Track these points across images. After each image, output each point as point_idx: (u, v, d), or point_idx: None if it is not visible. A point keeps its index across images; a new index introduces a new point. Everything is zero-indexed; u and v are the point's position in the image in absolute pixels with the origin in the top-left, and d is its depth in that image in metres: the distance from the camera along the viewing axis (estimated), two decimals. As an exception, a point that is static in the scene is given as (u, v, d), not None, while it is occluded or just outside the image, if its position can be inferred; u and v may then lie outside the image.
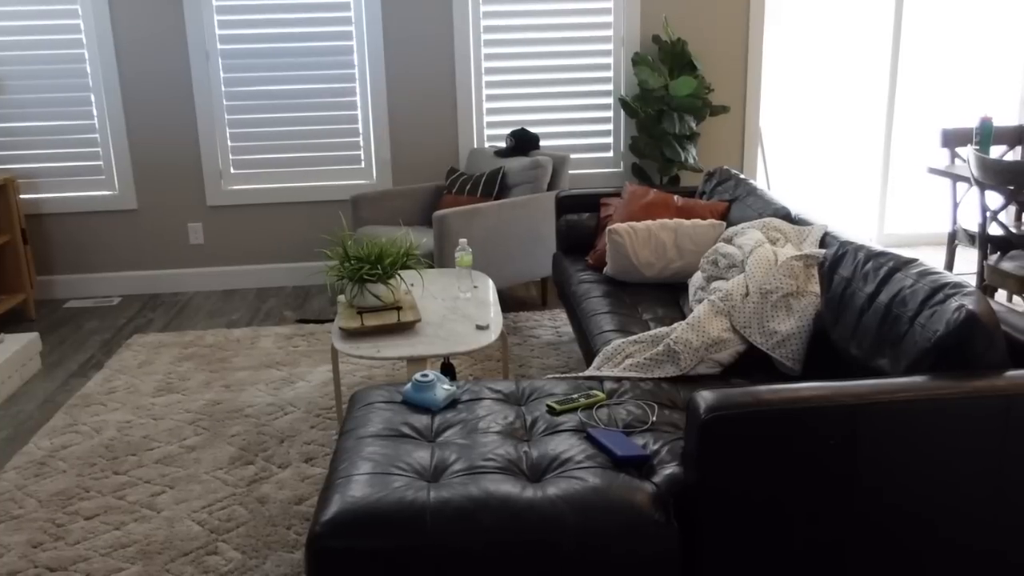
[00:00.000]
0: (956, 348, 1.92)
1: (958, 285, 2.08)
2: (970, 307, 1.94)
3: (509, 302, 4.79)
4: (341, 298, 3.16)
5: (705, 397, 1.83)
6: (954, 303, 1.99)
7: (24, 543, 2.54)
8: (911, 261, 2.33)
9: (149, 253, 5.17)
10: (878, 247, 2.50)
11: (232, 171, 5.12)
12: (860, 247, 2.54)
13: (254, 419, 3.34)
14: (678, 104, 4.90)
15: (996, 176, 3.45)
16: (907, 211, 5.74)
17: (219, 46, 4.93)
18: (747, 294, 2.72)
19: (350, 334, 2.89)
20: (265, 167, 5.14)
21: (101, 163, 5.03)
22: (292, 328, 4.41)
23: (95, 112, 4.96)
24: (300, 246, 5.26)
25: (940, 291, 2.10)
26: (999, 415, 1.79)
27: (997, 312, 2.17)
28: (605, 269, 3.58)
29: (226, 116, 5.04)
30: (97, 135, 4.99)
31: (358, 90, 5.06)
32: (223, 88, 4.99)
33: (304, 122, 5.09)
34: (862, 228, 5.73)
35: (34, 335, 3.95)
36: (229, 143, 5.08)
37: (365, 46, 4.99)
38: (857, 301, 2.40)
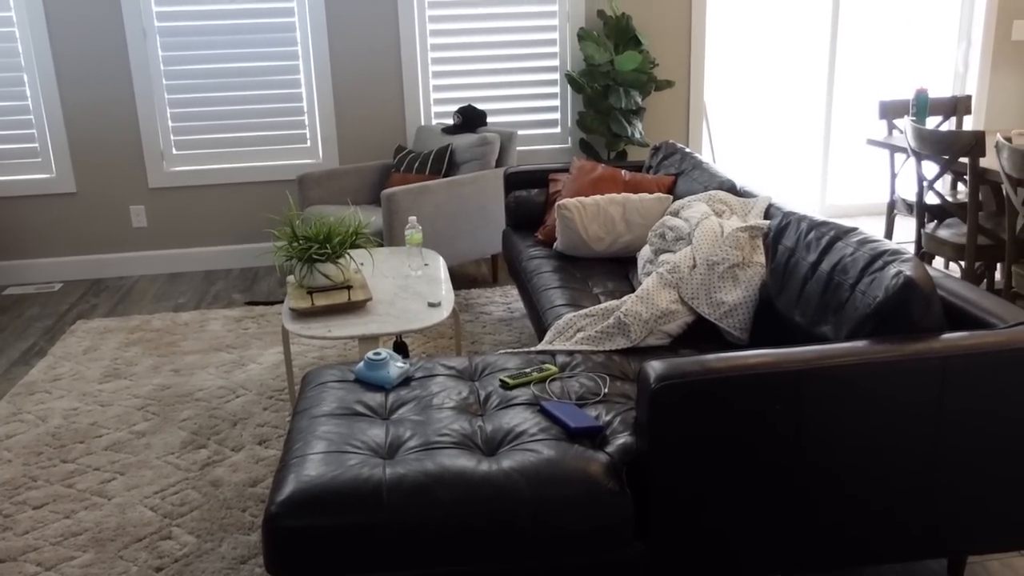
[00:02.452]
0: (894, 313, 1.98)
1: (896, 252, 2.15)
2: (908, 273, 2.00)
3: (460, 279, 4.79)
4: (290, 279, 3.14)
5: (655, 367, 1.86)
6: (892, 269, 2.06)
7: (-29, 535, 2.49)
8: (851, 230, 2.39)
9: (90, 237, 5.06)
10: (820, 217, 2.56)
11: (174, 152, 5.02)
12: (803, 217, 2.60)
13: (205, 403, 3.30)
14: (624, 79, 4.93)
15: (932, 146, 3.54)
16: (848, 182, 5.86)
17: (156, 24, 4.81)
18: (694, 266, 2.77)
19: (300, 314, 2.87)
20: (208, 147, 5.04)
21: (37, 145, 4.89)
22: (241, 310, 4.36)
23: (28, 93, 4.81)
24: (247, 227, 5.18)
25: (879, 258, 2.16)
26: (935, 376, 1.86)
27: (933, 278, 2.25)
28: (555, 244, 3.61)
29: (166, 96, 4.93)
30: (32, 117, 4.85)
31: (301, 67, 4.99)
32: (162, 67, 4.88)
33: (247, 101, 5.00)
34: (806, 199, 5.84)
35: (-27, 324, 3.85)
36: (170, 123, 4.98)
37: (308, 22, 4.92)
38: (800, 270, 2.46)
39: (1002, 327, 1.97)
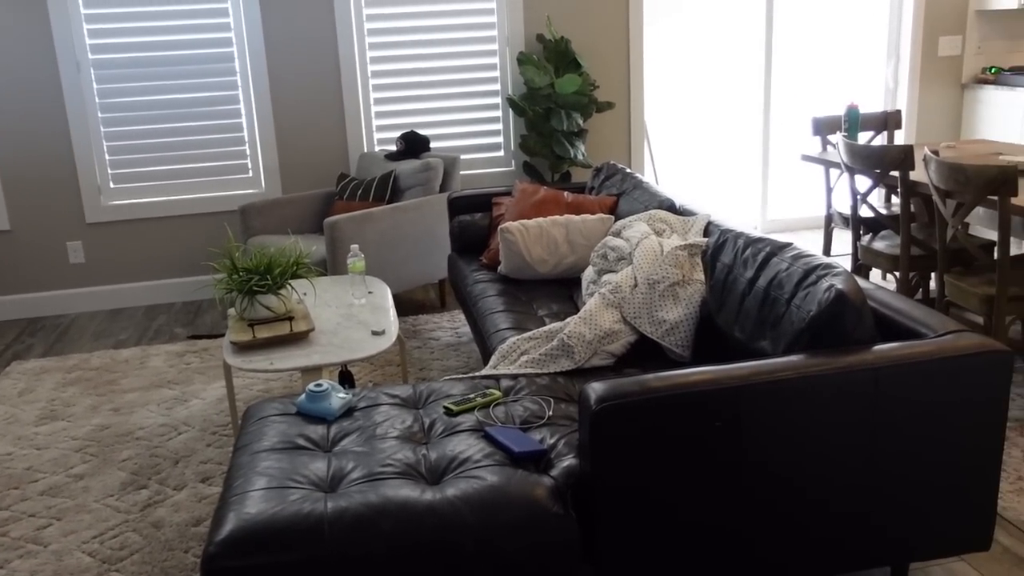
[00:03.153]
0: (828, 326, 2.01)
1: (828, 266, 2.19)
2: (839, 286, 2.03)
3: (407, 306, 4.77)
4: (232, 311, 3.09)
5: (595, 388, 1.87)
6: (825, 283, 2.09)
7: (-102, 590, 2.39)
8: (786, 245, 2.43)
9: (26, 275, 4.93)
10: (756, 234, 2.60)
11: (112, 186, 4.93)
12: (740, 234, 2.64)
13: (146, 441, 3.22)
14: (564, 102, 4.97)
15: (863, 161, 3.63)
16: (788, 197, 5.97)
17: (90, 56, 4.74)
18: (635, 285, 2.79)
19: (242, 347, 2.83)
20: (147, 180, 4.96)
21: (-33, 183, 4.77)
22: (184, 345, 4.28)
23: (-42, 130, 4.69)
24: (189, 260, 5.10)
25: (812, 272, 2.20)
26: (869, 387, 1.89)
27: (865, 290, 2.29)
28: (499, 268, 3.61)
29: (102, 128, 4.84)
30: (-39, 154, 4.73)
31: (241, 97, 4.95)
32: (97, 100, 4.80)
33: (186, 132, 4.94)
34: (747, 215, 5.94)
35: (-99, 369, 3.72)
36: (107, 156, 4.89)
37: (246, 51, 4.89)
38: (739, 286, 2.49)
39: (932, 336, 2.01)
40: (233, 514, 1.84)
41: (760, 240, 2.53)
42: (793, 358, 1.93)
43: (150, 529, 2.63)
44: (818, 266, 2.21)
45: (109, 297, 5.03)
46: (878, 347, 1.96)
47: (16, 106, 4.72)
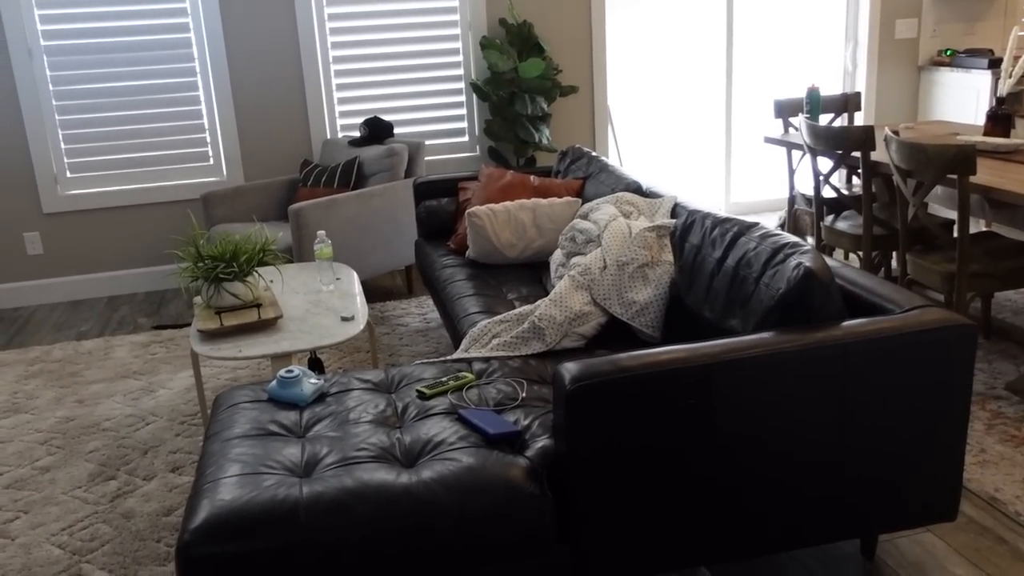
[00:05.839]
0: (797, 303, 2.04)
1: (796, 244, 2.22)
2: (807, 264, 2.06)
3: (375, 292, 4.74)
4: (198, 299, 3.05)
5: (569, 369, 1.88)
6: (793, 261, 2.12)
7: None
8: (753, 225, 2.46)
9: (-18, 267, 4.83)
10: (723, 214, 2.62)
11: (68, 175, 4.83)
12: (707, 215, 2.66)
13: (113, 432, 3.18)
14: (528, 86, 4.97)
15: (825, 142, 3.67)
16: (750, 180, 6.03)
17: (43, 43, 4.63)
18: (605, 267, 2.80)
19: (209, 335, 2.80)
20: (105, 169, 4.87)
21: (-82, 174, 4.64)
22: (148, 335, 4.22)
23: (-93, 119, 4.56)
24: (150, 249, 5.02)
25: (780, 251, 2.23)
26: (838, 362, 1.93)
27: (832, 268, 2.33)
28: (468, 252, 3.60)
29: (57, 117, 4.74)
30: (-89, 143, 4.60)
31: (200, 83, 4.87)
32: (51, 87, 4.69)
33: (145, 120, 4.85)
34: (710, 198, 5.99)
35: None
36: (63, 145, 4.79)
37: (204, 36, 4.81)
38: (707, 266, 2.51)
39: (898, 312, 2.05)
40: (207, 501, 1.83)
41: (728, 220, 2.56)
42: (763, 335, 1.96)
43: (120, 520, 2.60)
44: (785, 244, 2.24)
45: (69, 288, 4.94)
46: (846, 323, 1.99)
47: (-33, 94, 4.60)
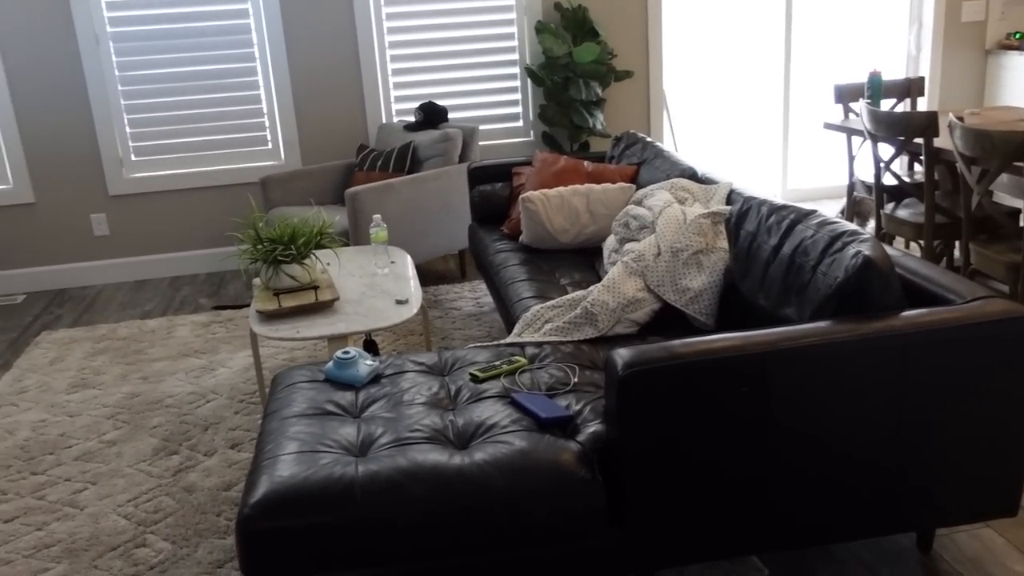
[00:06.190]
0: (855, 292, 2.02)
1: (855, 233, 2.19)
2: (867, 253, 2.04)
3: (428, 276, 4.79)
4: (257, 281, 3.12)
5: (622, 355, 1.89)
6: (852, 250, 2.09)
7: (-60, 553, 2.46)
8: (811, 212, 2.43)
9: (52, 247, 4.99)
10: (780, 201, 2.60)
11: (133, 158, 4.96)
12: (763, 202, 2.64)
13: (175, 409, 3.28)
14: (583, 71, 4.95)
15: (887, 128, 3.60)
16: (809, 166, 5.93)
17: (109, 29, 4.75)
18: (659, 253, 2.80)
19: (268, 316, 2.86)
20: (168, 152, 4.99)
21: (-8, 156, 4.81)
22: (209, 315, 4.33)
23: (-19, 103, 4.73)
24: (211, 231, 5.14)
25: (839, 239, 2.20)
26: (897, 353, 1.90)
27: (892, 257, 2.29)
28: (521, 237, 3.62)
29: (122, 102, 4.87)
30: (-15, 127, 4.77)
31: (259, 69, 4.95)
32: (117, 73, 4.82)
33: (206, 104, 4.95)
34: (767, 185, 5.91)
35: (-67, 339, 3.79)
36: (128, 130, 4.92)
37: (263, 23, 4.88)
38: (763, 254, 2.49)
39: (960, 303, 2.01)
40: (266, 477, 1.88)
41: (784, 207, 2.53)
42: (820, 324, 1.94)
43: (182, 493, 2.68)
44: (844, 232, 2.21)
45: (134, 268, 5.08)
46: (906, 313, 1.96)
47: (37, 81, 4.75)
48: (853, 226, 2.23)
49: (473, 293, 4.42)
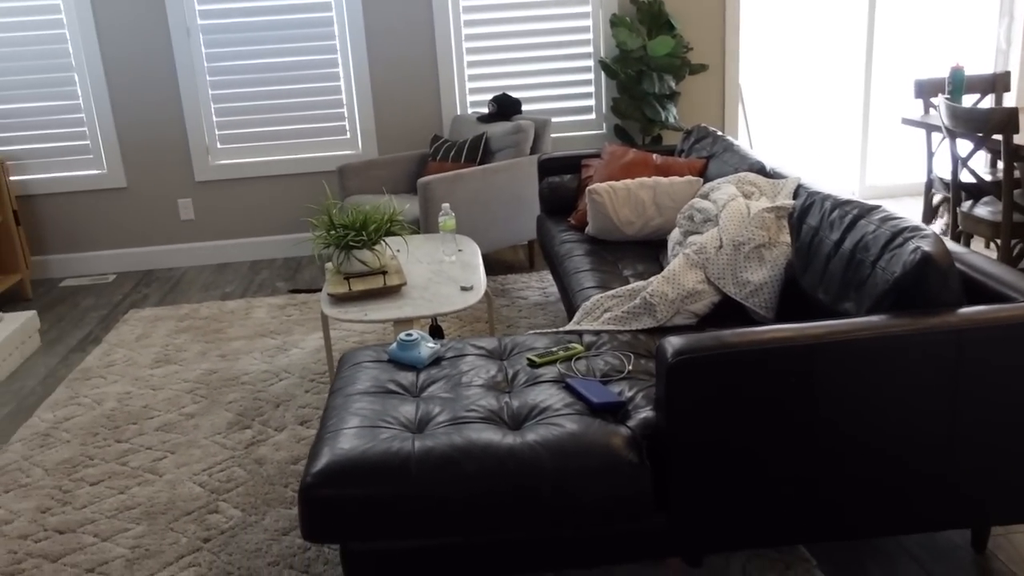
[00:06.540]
0: (913, 288, 2.01)
1: (916, 228, 2.17)
2: (926, 248, 2.02)
3: (497, 266, 4.87)
4: (329, 265, 3.24)
5: (672, 342, 1.92)
6: (911, 245, 2.08)
7: (33, 509, 2.65)
8: (874, 208, 2.41)
9: (141, 230, 5.24)
10: (844, 196, 2.58)
11: (219, 146, 5.18)
12: (827, 197, 2.62)
13: (250, 386, 3.43)
14: (657, 64, 4.95)
15: (965, 124, 3.52)
16: (888, 162, 5.80)
17: (199, 22, 4.96)
18: (720, 246, 2.81)
19: (338, 299, 2.98)
20: (251, 141, 5.19)
21: (88, 143, 5.08)
22: (285, 298, 4.50)
23: (79, 93, 5.00)
24: (290, 217, 5.32)
25: (900, 235, 2.18)
26: (951, 349, 1.89)
27: (956, 253, 2.26)
28: (587, 229, 3.66)
29: (210, 92, 5.08)
30: (83, 115, 5.04)
31: (340, 61, 5.10)
32: (205, 64, 5.03)
33: (288, 95, 5.13)
34: (845, 181, 5.80)
35: (32, 313, 4.03)
36: (214, 118, 5.13)
37: (345, 16, 5.03)
38: (824, 248, 2.49)
39: (1020, 300, 1.98)
40: (328, 449, 1.98)
41: (848, 203, 2.51)
42: (871, 318, 1.94)
43: (253, 465, 2.82)
44: (905, 228, 2.19)
45: (216, 252, 5.30)
46: (964, 310, 1.94)
47: (131, 72, 4.99)
48: (915, 222, 2.21)
49: (540, 283, 4.48)
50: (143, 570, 2.33)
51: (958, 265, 2.21)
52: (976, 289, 2.14)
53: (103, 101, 5.00)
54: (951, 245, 2.30)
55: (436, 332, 3.53)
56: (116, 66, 4.98)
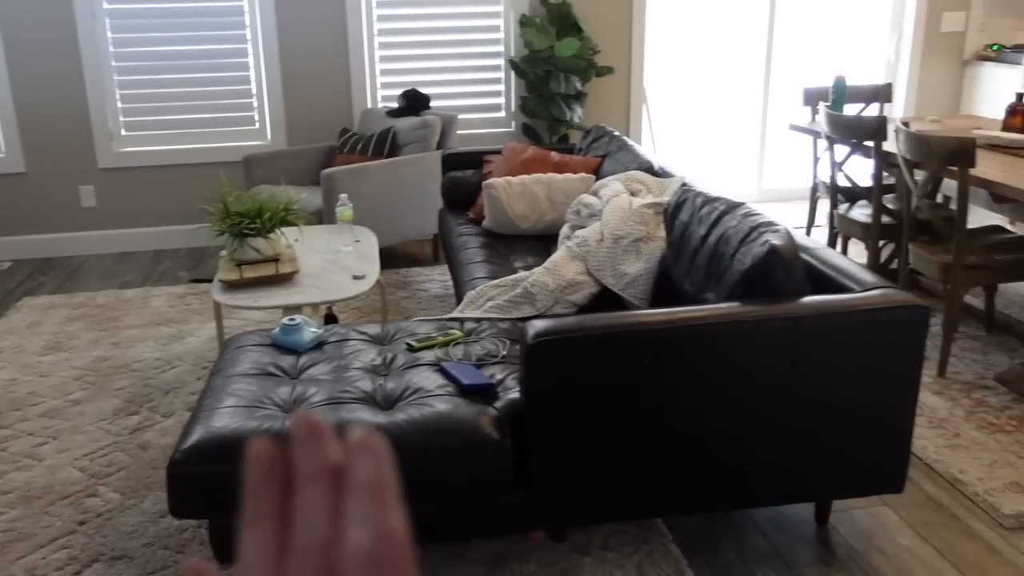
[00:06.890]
0: (759, 278, 2.15)
1: (770, 224, 2.31)
2: (774, 242, 2.16)
3: (402, 259, 4.93)
4: (223, 253, 3.26)
5: (534, 324, 2.02)
6: (762, 239, 2.22)
7: (-96, 493, 2.61)
8: (739, 204, 2.56)
9: (40, 217, 5.14)
10: (713, 193, 2.72)
11: (123, 133, 5.11)
12: (698, 194, 2.76)
13: (141, 373, 3.42)
14: (564, 65, 5.07)
15: (841, 131, 3.72)
16: (784, 167, 6.04)
17: (105, 5, 4.89)
18: (602, 239, 2.93)
19: (230, 286, 3.00)
20: (158, 128, 5.13)
21: (-15, 126, 4.96)
22: (186, 288, 4.47)
23: (-23, 74, 4.88)
24: (196, 207, 5.28)
25: (756, 230, 2.32)
26: (790, 335, 2.03)
27: (807, 247, 2.42)
28: (483, 222, 3.75)
29: (115, 77, 5.01)
30: (-20, 97, 4.91)
31: (250, 50, 5.09)
32: (111, 49, 4.96)
33: (197, 83, 5.09)
34: (743, 184, 6.02)
35: (-83, 298, 3.94)
36: (119, 104, 5.06)
37: (257, 5, 5.02)
38: (692, 243, 2.62)
39: (858, 291, 2.14)
40: (201, 427, 2.02)
41: (716, 199, 2.65)
42: (719, 305, 2.07)
43: (137, 450, 2.83)
44: (761, 224, 2.33)
45: (118, 240, 5.23)
46: (805, 299, 2.09)
47: (34, 53, 4.89)
48: (772, 218, 2.36)
49: (443, 276, 4.56)
50: (13, 552, 2.32)
51: (808, 259, 2.37)
52: (824, 281, 2.29)
53: (2, 83, 4.89)
54: (803, 240, 2.46)
55: (331, 320, 3.57)
56: (17, 47, 4.87)
